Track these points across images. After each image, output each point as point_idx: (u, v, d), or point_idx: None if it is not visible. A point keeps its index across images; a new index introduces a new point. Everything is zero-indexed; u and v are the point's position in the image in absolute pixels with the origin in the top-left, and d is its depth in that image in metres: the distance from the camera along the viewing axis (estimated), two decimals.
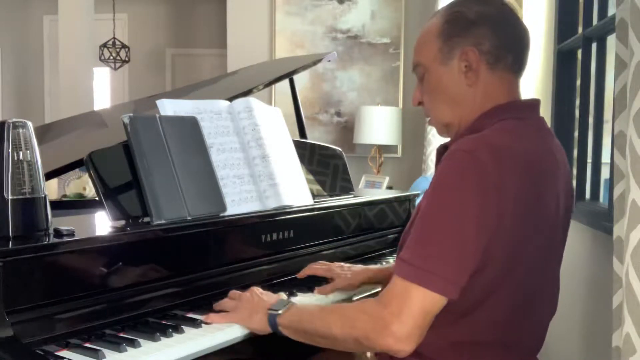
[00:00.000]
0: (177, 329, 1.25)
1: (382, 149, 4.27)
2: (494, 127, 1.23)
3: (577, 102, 2.28)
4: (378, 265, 1.72)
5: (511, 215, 1.16)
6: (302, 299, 1.54)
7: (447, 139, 1.36)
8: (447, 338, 1.24)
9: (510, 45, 1.27)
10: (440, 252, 1.13)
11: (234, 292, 1.42)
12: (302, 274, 1.67)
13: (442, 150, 1.32)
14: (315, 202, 1.87)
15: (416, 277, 1.12)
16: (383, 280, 1.60)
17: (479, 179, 1.13)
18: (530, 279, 1.25)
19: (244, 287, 1.52)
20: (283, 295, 1.43)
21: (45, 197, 1.27)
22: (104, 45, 6.62)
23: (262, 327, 1.32)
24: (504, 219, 1.15)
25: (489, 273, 1.18)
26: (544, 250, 1.27)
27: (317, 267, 1.68)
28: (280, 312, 1.30)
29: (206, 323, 1.31)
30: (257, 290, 1.41)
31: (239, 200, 1.63)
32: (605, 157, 1.93)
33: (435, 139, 3.72)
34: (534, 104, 1.34)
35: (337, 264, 1.70)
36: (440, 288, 1.12)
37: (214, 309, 1.38)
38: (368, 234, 2.08)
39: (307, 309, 1.31)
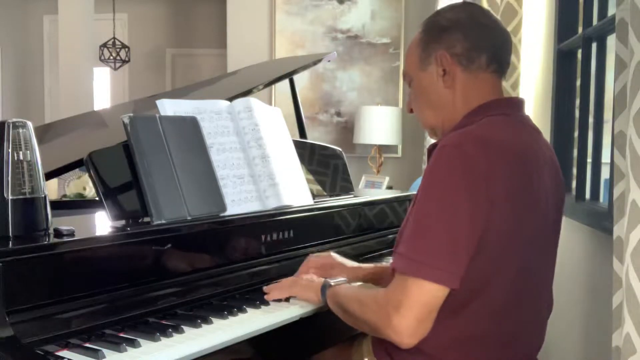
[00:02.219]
0: (177, 329, 1.25)
1: (382, 149, 4.27)
2: (480, 122, 1.28)
3: (577, 102, 2.28)
4: (372, 265, 1.71)
5: (503, 202, 1.19)
6: None
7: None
8: (446, 333, 1.25)
9: (483, 47, 1.33)
10: (434, 244, 1.16)
11: (287, 278, 1.53)
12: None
13: (432, 149, 1.35)
14: (315, 202, 1.87)
15: (412, 269, 1.16)
16: (377, 279, 1.60)
17: (467, 171, 1.17)
18: (525, 270, 1.27)
19: (245, 287, 1.53)
20: (342, 277, 1.51)
21: (45, 197, 1.27)
22: (104, 45, 6.62)
23: (315, 295, 1.44)
24: (495, 206, 1.18)
25: (484, 261, 1.20)
26: (536, 241, 1.29)
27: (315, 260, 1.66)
28: (332, 283, 1.42)
29: (265, 303, 1.45)
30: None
31: (239, 200, 1.63)
32: (605, 157, 1.92)
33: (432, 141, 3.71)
34: (518, 101, 1.39)
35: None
36: (437, 278, 1.15)
37: (265, 292, 1.49)
38: (368, 234, 2.08)
39: (348, 288, 1.40)
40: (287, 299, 1.49)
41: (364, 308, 1.26)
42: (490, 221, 1.18)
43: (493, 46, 1.34)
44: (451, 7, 1.38)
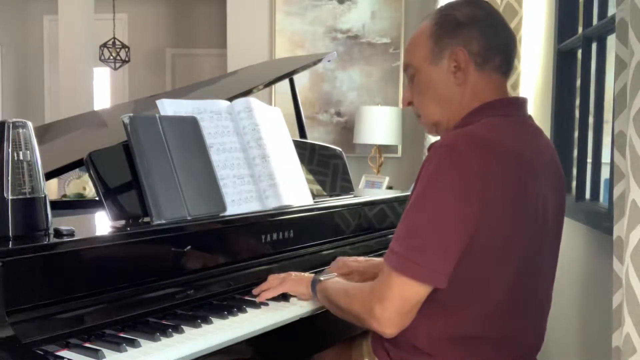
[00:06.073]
0: (177, 329, 1.25)
1: (382, 149, 4.27)
2: (480, 122, 1.27)
3: (577, 102, 2.28)
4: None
5: (498, 204, 1.19)
6: None
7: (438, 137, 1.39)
8: (444, 332, 1.26)
9: (498, 47, 1.32)
10: (423, 242, 1.18)
11: (274, 275, 1.55)
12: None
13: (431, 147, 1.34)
14: (315, 202, 1.87)
15: (399, 266, 1.19)
16: None
17: (459, 171, 1.17)
18: (523, 271, 1.27)
19: (245, 287, 1.53)
20: (331, 274, 1.54)
21: (45, 197, 1.27)
22: (104, 45, 6.62)
23: (307, 290, 1.49)
24: (489, 206, 1.18)
25: (480, 262, 1.21)
26: (534, 244, 1.29)
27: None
28: (321, 278, 1.47)
29: (264, 303, 1.47)
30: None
31: (239, 200, 1.63)
32: (605, 157, 1.92)
33: (435, 139, 3.71)
34: (521, 101, 1.38)
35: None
36: (420, 276, 1.18)
37: (253, 293, 1.50)
38: (368, 234, 2.08)
39: (336, 282, 1.43)
40: (285, 298, 1.50)
41: (350, 299, 1.31)
42: (484, 222, 1.18)
43: (506, 47, 1.33)
44: (467, 3, 1.34)
